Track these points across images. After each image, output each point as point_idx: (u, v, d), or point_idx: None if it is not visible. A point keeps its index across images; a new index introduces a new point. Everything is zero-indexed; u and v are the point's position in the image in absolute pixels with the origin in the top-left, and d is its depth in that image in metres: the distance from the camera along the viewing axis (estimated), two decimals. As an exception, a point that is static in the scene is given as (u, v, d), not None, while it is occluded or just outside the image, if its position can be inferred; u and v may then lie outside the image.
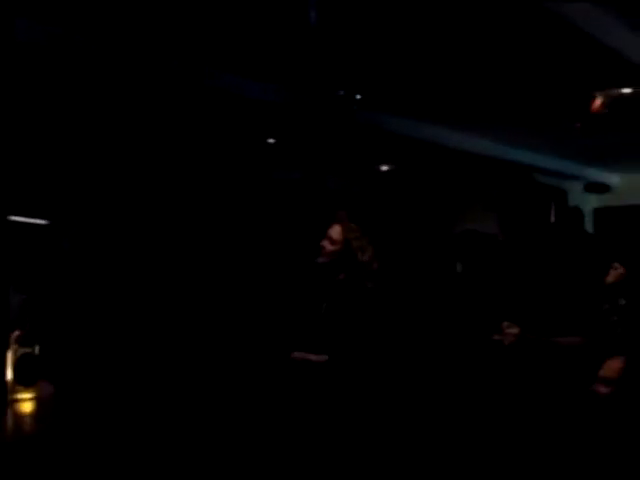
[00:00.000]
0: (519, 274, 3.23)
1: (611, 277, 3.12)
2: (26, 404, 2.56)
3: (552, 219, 3.48)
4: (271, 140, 7.69)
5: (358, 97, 5.69)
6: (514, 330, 2.99)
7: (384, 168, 9.04)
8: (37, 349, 2.72)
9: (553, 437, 2.94)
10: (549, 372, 3.00)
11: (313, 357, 2.90)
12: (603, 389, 2.97)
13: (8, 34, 2.25)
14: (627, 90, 5.49)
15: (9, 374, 2.63)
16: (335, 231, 3.03)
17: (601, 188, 9.27)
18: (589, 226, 8.55)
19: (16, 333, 2.69)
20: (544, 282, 3.14)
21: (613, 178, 9.72)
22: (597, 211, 9.26)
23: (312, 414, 2.82)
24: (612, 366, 2.96)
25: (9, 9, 2.32)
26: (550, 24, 4.55)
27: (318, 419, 2.80)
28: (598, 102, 5.54)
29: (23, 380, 2.58)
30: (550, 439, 2.94)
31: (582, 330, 3.03)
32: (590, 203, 9.42)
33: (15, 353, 2.64)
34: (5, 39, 2.22)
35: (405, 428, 3.36)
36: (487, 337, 3.03)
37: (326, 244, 3.03)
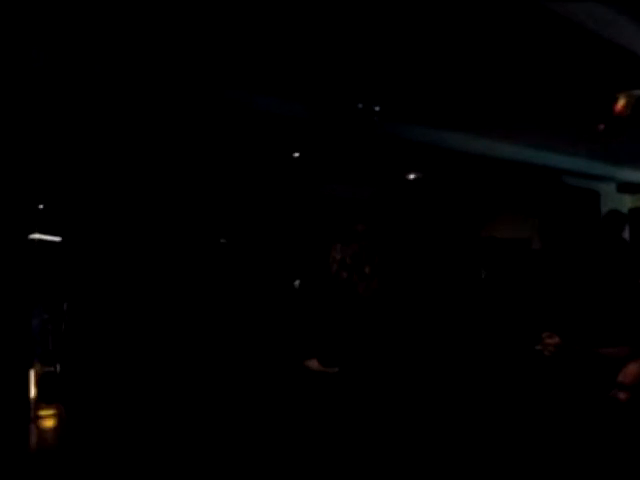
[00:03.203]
0: (559, 282, 3.18)
1: None
2: (48, 420, 2.67)
3: (587, 222, 3.41)
4: (296, 154, 7.81)
5: (377, 109, 5.74)
6: (554, 340, 2.94)
7: (411, 177, 9.06)
8: (58, 367, 2.84)
9: (578, 443, 2.91)
10: (592, 383, 2.96)
11: (329, 369, 2.93)
12: (621, 395, 2.93)
13: (23, 61, 2.33)
14: (650, 90, 5.41)
15: (32, 392, 2.76)
16: (336, 250, 3.05)
17: (635, 188, 9.09)
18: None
19: (38, 353, 2.82)
20: (585, 290, 3.08)
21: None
22: (631, 211, 9.08)
23: (320, 419, 2.85)
24: (629, 371, 2.92)
25: (25, 38, 2.40)
26: (570, 30, 4.55)
27: (326, 424, 2.83)
28: (621, 103, 5.47)
29: (45, 397, 2.70)
30: (574, 445, 2.91)
31: (627, 340, 2.97)
32: (624, 204, 9.25)
33: (37, 372, 2.77)
34: (20, 65, 2.31)
35: (436, 439, 3.35)
36: (528, 347, 3.00)
37: (332, 264, 3.05)
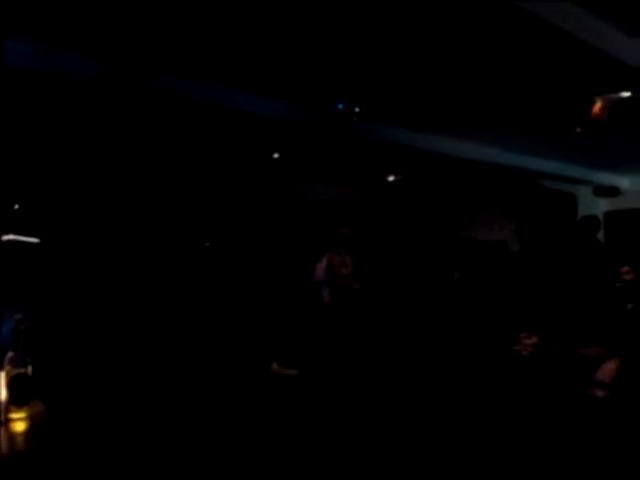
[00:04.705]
0: (537, 283, 3.19)
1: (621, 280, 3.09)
2: (20, 423, 2.62)
3: (565, 225, 3.43)
4: (276, 155, 7.79)
5: (357, 110, 5.74)
6: (532, 340, 2.95)
7: (391, 178, 9.07)
8: (30, 369, 2.79)
9: (557, 442, 2.92)
10: (570, 383, 2.97)
11: (288, 371, 2.94)
12: (599, 392, 2.95)
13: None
14: (626, 94, 5.46)
15: (3, 394, 2.70)
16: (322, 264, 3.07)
17: (611, 192, 9.20)
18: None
19: (9, 354, 2.76)
20: (563, 290, 3.10)
21: (623, 181, 9.65)
22: (607, 215, 9.18)
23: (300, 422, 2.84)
24: (606, 369, 2.94)
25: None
26: (549, 34, 4.58)
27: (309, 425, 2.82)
28: (598, 106, 5.52)
29: (17, 400, 2.65)
30: (554, 444, 2.92)
31: (604, 340, 2.98)
32: (600, 207, 9.36)
33: (8, 374, 2.72)
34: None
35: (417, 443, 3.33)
36: (507, 347, 3.00)
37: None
